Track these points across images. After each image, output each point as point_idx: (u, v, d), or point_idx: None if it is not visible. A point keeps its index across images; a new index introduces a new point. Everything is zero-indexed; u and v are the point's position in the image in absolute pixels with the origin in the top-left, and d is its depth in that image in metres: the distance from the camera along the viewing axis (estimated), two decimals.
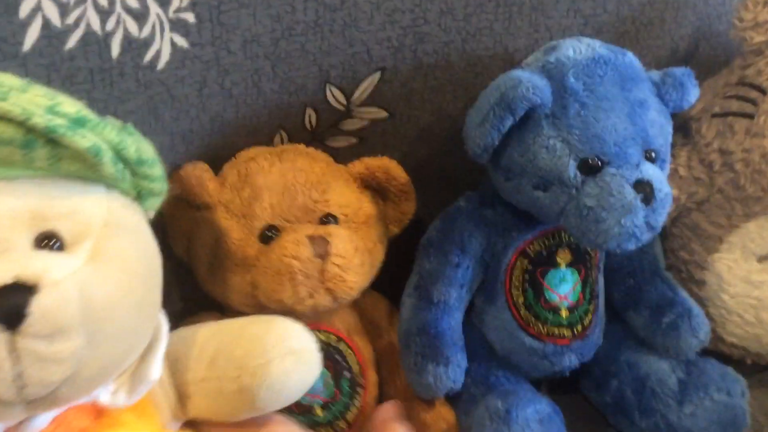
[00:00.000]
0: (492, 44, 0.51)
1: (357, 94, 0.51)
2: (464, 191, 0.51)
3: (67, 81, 0.40)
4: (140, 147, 0.34)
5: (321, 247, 0.43)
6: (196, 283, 0.48)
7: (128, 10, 0.41)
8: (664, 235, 0.55)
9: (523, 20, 0.51)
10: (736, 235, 0.53)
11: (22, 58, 0.39)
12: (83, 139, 0.30)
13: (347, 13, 0.47)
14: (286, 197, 0.45)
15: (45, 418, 0.32)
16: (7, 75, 0.31)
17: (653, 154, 0.43)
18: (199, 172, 0.45)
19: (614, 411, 0.50)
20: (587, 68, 0.43)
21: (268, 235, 0.45)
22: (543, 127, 0.42)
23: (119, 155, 0.32)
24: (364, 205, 0.48)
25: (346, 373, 0.47)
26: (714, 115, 0.51)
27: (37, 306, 0.28)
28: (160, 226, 0.43)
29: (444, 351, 0.45)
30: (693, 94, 0.46)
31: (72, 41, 0.40)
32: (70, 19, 0.40)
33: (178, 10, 0.43)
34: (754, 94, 0.49)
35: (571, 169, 0.42)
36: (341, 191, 0.47)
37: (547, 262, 0.48)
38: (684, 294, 0.52)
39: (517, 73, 0.43)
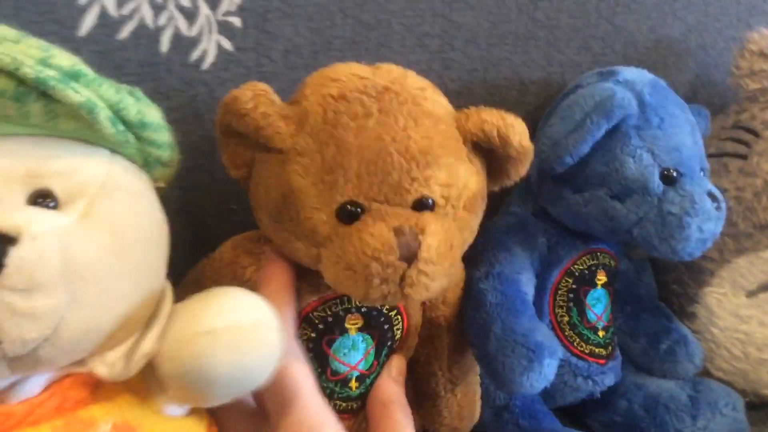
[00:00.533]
0: (510, 75, 0.55)
1: None
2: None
3: (117, 71, 0.41)
4: (143, 110, 0.32)
5: (409, 248, 0.33)
6: None
7: (180, 8, 0.43)
8: (657, 268, 0.58)
9: (539, 54, 0.55)
10: (726, 270, 0.56)
11: (76, 43, 0.40)
12: (76, 94, 0.29)
13: (382, 33, 0.50)
14: (378, 170, 0.35)
15: (35, 384, 0.30)
16: (4, 26, 0.30)
17: (706, 171, 0.48)
18: (264, 107, 0.36)
19: (625, 430, 0.50)
20: (655, 88, 0.47)
21: (349, 211, 0.35)
22: (631, 137, 0.45)
23: (118, 115, 0.31)
24: (470, 182, 0.38)
25: (389, 343, 0.42)
26: (710, 156, 0.55)
27: (14, 257, 0.27)
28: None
29: (554, 339, 0.43)
30: (708, 125, 0.52)
31: (125, 32, 0.41)
32: (125, 10, 0.41)
33: (227, 13, 0.44)
34: (747, 137, 0.54)
35: (656, 179, 0.45)
36: (447, 166, 0.37)
37: (589, 281, 0.49)
38: (678, 322, 0.54)
39: (608, 85, 0.46)
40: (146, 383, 0.33)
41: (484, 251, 0.46)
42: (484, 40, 0.53)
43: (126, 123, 0.32)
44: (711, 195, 0.44)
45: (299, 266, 0.39)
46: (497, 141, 0.37)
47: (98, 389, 0.32)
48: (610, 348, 0.51)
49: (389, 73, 0.38)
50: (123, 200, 0.32)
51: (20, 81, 0.29)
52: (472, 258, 0.45)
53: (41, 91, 0.29)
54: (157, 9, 0.42)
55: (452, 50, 0.53)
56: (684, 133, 0.46)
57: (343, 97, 0.36)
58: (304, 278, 0.39)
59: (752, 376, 0.56)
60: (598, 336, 0.50)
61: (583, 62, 0.56)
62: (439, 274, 0.35)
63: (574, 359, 0.49)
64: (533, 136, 0.40)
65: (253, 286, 0.38)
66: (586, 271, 0.49)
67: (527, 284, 0.47)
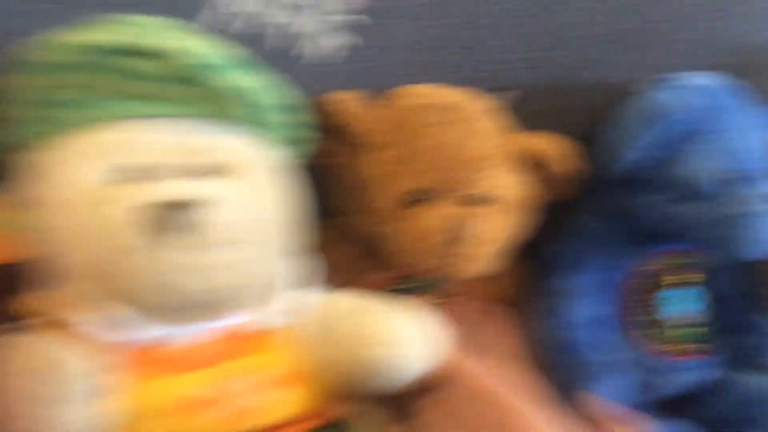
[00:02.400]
0: (600, 75, 0.57)
1: None
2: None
3: None
4: (280, 94, 0.38)
5: (455, 230, 0.43)
6: None
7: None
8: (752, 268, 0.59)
9: (628, 56, 0.57)
10: None
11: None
12: (225, 79, 0.35)
13: (473, 32, 0.53)
14: (442, 168, 0.44)
15: (207, 332, 0.36)
16: (159, 18, 0.35)
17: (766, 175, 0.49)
18: (350, 105, 0.45)
19: (723, 426, 0.51)
20: (718, 93, 0.49)
21: (413, 200, 0.44)
22: (685, 142, 0.48)
23: (260, 99, 0.37)
24: (513, 187, 0.47)
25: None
26: None
27: (201, 218, 0.32)
28: None
29: (596, 365, 0.48)
30: None
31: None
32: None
33: (339, 11, 0.48)
34: None
35: (709, 182, 0.47)
36: (498, 171, 0.46)
37: (658, 283, 0.52)
38: (763, 319, 0.55)
39: (658, 93, 0.48)
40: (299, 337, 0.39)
41: (543, 282, 0.52)
42: (578, 43, 0.56)
43: (266, 105, 0.37)
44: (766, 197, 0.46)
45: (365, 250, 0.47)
46: (545, 162, 0.48)
47: (251, 340, 0.37)
48: (701, 345, 0.52)
49: (455, 95, 0.48)
50: (272, 173, 0.38)
51: (184, 67, 0.34)
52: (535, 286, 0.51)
53: (206, 76, 0.34)
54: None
55: (549, 49, 0.55)
56: (744, 138, 0.48)
57: (418, 109, 0.45)
58: (376, 257, 0.47)
59: None
60: (676, 332, 0.52)
61: (674, 66, 0.58)
62: (480, 256, 0.44)
63: (645, 357, 0.51)
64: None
65: None
66: (655, 275, 0.52)
67: (582, 309, 0.50)
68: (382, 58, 0.50)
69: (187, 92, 0.34)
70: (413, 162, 0.44)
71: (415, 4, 0.50)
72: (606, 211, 0.53)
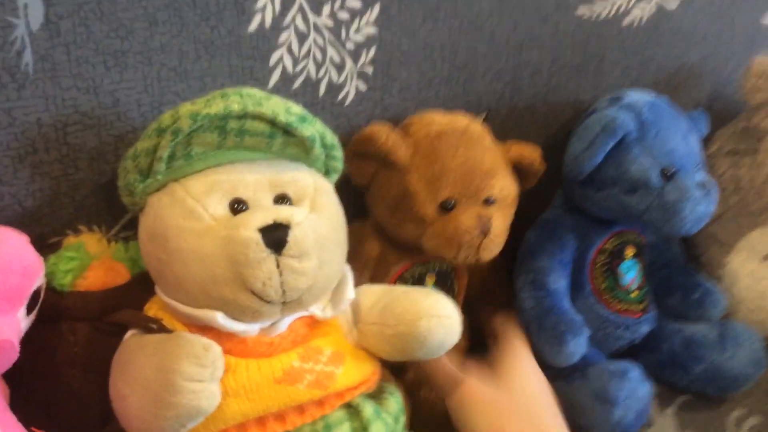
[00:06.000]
0: (565, 98, 0.70)
1: None
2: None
3: None
4: (330, 135, 0.48)
5: (485, 226, 0.55)
6: None
7: (333, 64, 0.59)
8: (689, 244, 0.73)
9: (589, 81, 0.70)
10: (744, 241, 0.71)
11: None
12: (307, 130, 0.45)
13: (469, 71, 0.65)
14: (466, 179, 0.56)
15: (285, 323, 0.45)
16: (255, 89, 0.45)
17: (700, 165, 0.62)
18: (393, 136, 0.56)
19: (670, 365, 0.65)
20: (653, 106, 0.62)
21: (447, 205, 0.56)
22: (633, 147, 0.60)
23: (322, 141, 0.48)
24: (514, 188, 0.60)
25: (451, 294, 0.59)
26: (727, 153, 0.70)
27: (292, 236, 0.41)
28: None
29: (576, 324, 0.58)
30: (707, 126, 0.67)
31: (297, 83, 0.57)
32: (298, 68, 0.57)
33: (363, 64, 0.60)
34: (756, 137, 0.69)
35: (655, 177, 0.59)
36: (502, 177, 0.59)
37: (619, 255, 0.65)
38: (704, 278, 0.69)
39: (613, 110, 0.61)
40: (341, 323, 0.49)
41: (522, 263, 0.64)
42: (546, 72, 0.69)
43: (324, 146, 0.48)
44: (701, 184, 0.58)
45: (394, 242, 0.59)
46: (528, 165, 0.60)
47: (316, 327, 0.47)
48: (644, 304, 0.66)
49: (462, 120, 0.60)
50: (328, 197, 0.48)
51: (273, 124, 0.44)
52: (515, 268, 0.64)
53: (283, 130, 0.45)
54: (318, 65, 0.58)
55: (521, 80, 0.68)
56: (677, 139, 0.61)
57: (440, 133, 0.58)
58: (398, 250, 0.60)
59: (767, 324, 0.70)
60: (632, 296, 0.65)
61: (624, 84, 0.71)
62: (499, 244, 0.57)
63: (612, 316, 0.63)
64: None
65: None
66: (616, 248, 0.65)
67: (557, 281, 0.62)
68: (387, 97, 0.63)
69: (282, 143, 0.45)
70: (446, 177, 0.56)
71: (413, 53, 0.62)
72: (572, 204, 0.66)
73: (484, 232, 0.55)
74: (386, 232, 0.60)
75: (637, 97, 0.63)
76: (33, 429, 0.41)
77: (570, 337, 0.57)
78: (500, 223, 0.57)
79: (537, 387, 0.55)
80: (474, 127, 0.60)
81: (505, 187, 0.59)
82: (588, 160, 0.60)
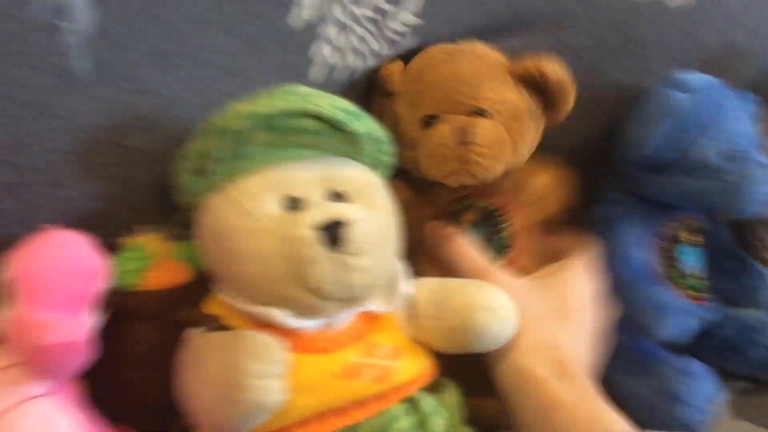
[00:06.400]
0: (610, 83, 0.69)
1: None
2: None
3: None
4: (382, 130, 0.49)
5: (463, 135, 0.52)
6: None
7: (373, 54, 0.59)
8: (740, 227, 0.72)
9: (634, 65, 0.69)
10: None
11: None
12: (357, 126, 0.46)
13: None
14: (445, 93, 0.54)
15: (344, 319, 0.45)
16: (302, 86, 0.46)
17: (759, 145, 0.61)
18: (393, 67, 0.57)
19: (726, 351, 0.63)
20: (711, 87, 0.61)
21: (428, 122, 0.54)
22: (692, 129, 0.59)
23: (371, 137, 0.48)
24: (513, 101, 0.55)
25: (496, 237, 0.58)
26: None
27: (348, 233, 0.42)
28: None
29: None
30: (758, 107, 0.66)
31: (339, 75, 0.57)
32: (339, 60, 0.57)
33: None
34: None
35: (716, 158, 0.58)
36: (493, 88, 0.54)
37: (677, 239, 0.64)
38: (757, 264, 0.68)
39: (668, 92, 0.60)
40: (398, 318, 0.49)
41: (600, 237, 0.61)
42: (587, 56, 0.67)
43: (374, 141, 0.48)
44: (763, 164, 0.57)
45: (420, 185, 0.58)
46: (536, 74, 0.55)
47: (373, 322, 0.48)
48: (703, 291, 0.64)
49: (468, 44, 0.58)
50: (381, 193, 0.48)
51: (321, 120, 0.44)
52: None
53: (332, 126, 0.45)
54: (358, 55, 0.58)
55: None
56: (736, 120, 0.60)
57: (432, 56, 0.57)
58: (426, 193, 0.59)
59: None
60: (692, 281, 0.64)
61: (669, 67, 0.69)
62: (489, 156, 0.53)
63: (679, 302, 0.62)
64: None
65: None
66: (674, 233, 0.64)
67: (639, 252, 0.61)
68: None
69: (332, 139, 0.45)
70: (428, 93, 0.55)
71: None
72: (631, 188, 0.64)
73: (463, 142, 0.52)
74: (410, 175, 0.58)
75: (694, 78, 0.62)
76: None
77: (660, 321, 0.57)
78: (490, 133, 0.53)
79: (580, 299, 0.54)
80: (476, 46, 0.58)
81: (499, 98, 0.55)
82: (646, 142, 0.59)
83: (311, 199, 0.44)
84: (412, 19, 0.59)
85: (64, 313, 0.39)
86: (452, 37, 0.60)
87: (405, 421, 0.45)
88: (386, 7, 0.57)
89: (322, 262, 0.41)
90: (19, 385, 0.40)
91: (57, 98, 0.45)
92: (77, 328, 0.40)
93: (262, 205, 0.43)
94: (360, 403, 0.44)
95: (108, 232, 0.47)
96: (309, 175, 0.45)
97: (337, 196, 0.46)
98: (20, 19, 0.43)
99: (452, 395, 0.49)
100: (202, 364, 0.41)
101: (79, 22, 0.44)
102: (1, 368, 0.40)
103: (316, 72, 0.56)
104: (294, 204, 0.44)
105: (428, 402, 0.47)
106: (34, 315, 0.39)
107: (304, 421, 0.43)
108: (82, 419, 0.42)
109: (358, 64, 0.58)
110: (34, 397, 0.40)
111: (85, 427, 0.42)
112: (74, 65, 0.45)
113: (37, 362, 0.39)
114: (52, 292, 0.39)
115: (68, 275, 0.40)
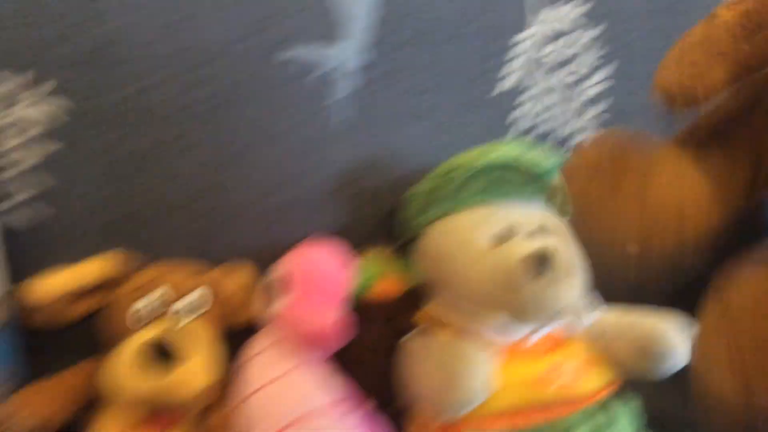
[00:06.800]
0: None
1: None
2: None
3: None
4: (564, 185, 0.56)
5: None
6: None
7: (565, 118, 0.68)
8: None
9: None
10: None
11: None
12: (554, 180, 0.55)
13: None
14: None
15: (543, 332, 0.53)
16: (513, 144, 0.57)
17: None
18: None
19: None
20: None
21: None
22: None
23: (562, 189, 0.55)
24: None
25: None
26: None
27: (552, 263, 0.50)
28: None
29: None
30: None
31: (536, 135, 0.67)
32: (538, 123, 0.67)
33: (593, 118, 0.69)
34: None
35: None
36: None
37: None
38: None
39: None
40: (587, 336, 0.56)
41: None
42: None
43: (562, 192, 0.57)
44: None
45: None
46: None
47: (566, 338, 0.55)
48: None
49: None
50: (565, 230, 0.56)
51: (527, 173, 0.55)
52: None
53: (543, 176, 0.55)
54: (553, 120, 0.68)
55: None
56: None
57: None
58: None
59: None
60: None
61: None
62: None
63: None
64: None
65: None
66: None
67: None
68: None
69: (532, 187, 0.56)
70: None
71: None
72: None
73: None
74: None
75: None
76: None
77: None
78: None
79: None
80: None
81: None
82: None
83: (517, 234, 0.54)
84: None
85: (324, 308, 0.52)
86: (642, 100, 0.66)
87: (584, 429, 0.52)
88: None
89: (528, 288, 0.50)
90: (284, 357, 0.53)
91: (319, 145, 0.61)
92: (334, 320, 0.52)
93: (477, 238, 0.53)
94: (546, 406, 0.51)
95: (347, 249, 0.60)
96: (515, 213, 0.55)
97: (538, 231, 0.55)
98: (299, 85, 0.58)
99: (634, 405, 0.55)
100: (424, 362, 0.51)
101: (343, 91, 0.59)
102: (270, 344, 0.54)
103: (513, 133, 0.67)
104: (503, 237, 0.53)
105: (615, 408, 0.53)
106: (306, 306, 0.51)
107: (498, 416, 0.51)
108: (332, 385, 0.53)
109: (552, 126, 0.68)
110: (296, 366, 0.52)
111: (334, 391, 0.53)
112: (336, 116, 0.60)
113: (305, 342, 0.52)
114: (319, 290, 0.52)
115: (330, 278, 0.53)
